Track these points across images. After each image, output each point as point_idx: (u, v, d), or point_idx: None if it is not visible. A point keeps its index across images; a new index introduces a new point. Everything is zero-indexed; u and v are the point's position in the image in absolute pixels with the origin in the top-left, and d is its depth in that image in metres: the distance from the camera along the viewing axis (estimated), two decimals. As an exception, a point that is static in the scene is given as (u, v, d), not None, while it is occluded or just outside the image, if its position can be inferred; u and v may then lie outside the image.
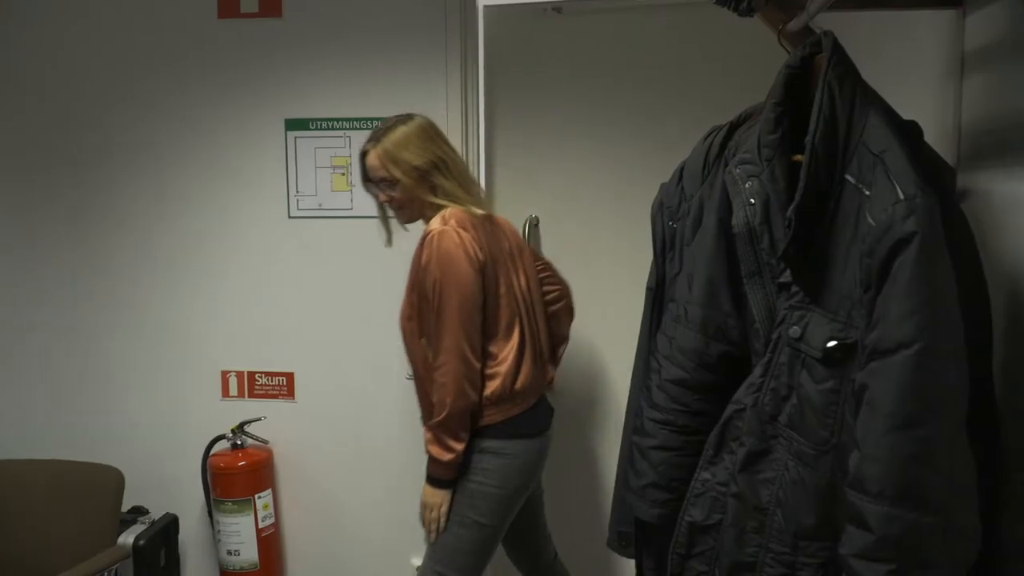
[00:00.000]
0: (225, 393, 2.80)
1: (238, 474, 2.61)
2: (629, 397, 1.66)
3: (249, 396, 2.79)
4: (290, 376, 2.78)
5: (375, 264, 2.71)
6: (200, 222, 2.79)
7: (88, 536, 2.26)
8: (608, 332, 2.64)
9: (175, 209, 2.79)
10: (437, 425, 1.99)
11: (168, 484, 2.76)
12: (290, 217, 2.77)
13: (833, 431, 1.09)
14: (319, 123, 2.73)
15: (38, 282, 2.86)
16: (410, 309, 2.07)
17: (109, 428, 2.82)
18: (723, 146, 1.51)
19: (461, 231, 1.99)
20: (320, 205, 2.76)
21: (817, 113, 1.15)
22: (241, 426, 2.69)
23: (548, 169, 2.71)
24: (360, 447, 2.76)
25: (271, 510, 2.67)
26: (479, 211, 2.09)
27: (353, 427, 2.75)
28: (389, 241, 2.23)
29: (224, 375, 2.80)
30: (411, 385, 2.68)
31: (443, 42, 2.64)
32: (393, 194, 2.07)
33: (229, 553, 2.62)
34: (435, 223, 2.01)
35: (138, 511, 2.67)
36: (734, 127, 1.53)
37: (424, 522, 2.08)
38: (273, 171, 2.76)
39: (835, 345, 1.08)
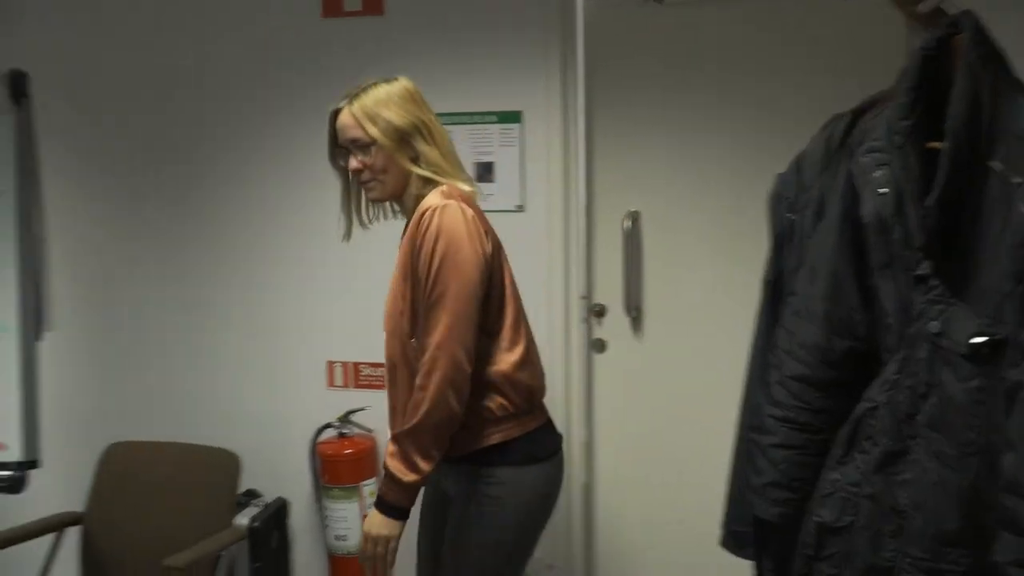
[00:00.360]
0: (331, 383, 2.88)
1: (344, 462, 2.68)
2: (744, 392, 1.63)
3: (353, 386, 2.86)
4: (393, 367, 2.83)
5: (476, 257, 2.74)
6: (306, 216, 2.87)
7: (207, 516, 2.35)
8: (715, 328, 2.60)
9: (284, 203, 2.88)
10: (406, 434, 1.64)
11: (278, 469, 2.84)
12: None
13: (980, 431, 1.04)
14: (421, 118, 2.76)
15: (161, 276, 3.00)
16: (402, 303, 1.75)
17: (225, 414, 2.93)
18: (846, 134, 1.46)
19: (466, 208, 1.69)
20: (422, 199, 2.79)
21: (960, 96, 1.10)
22: (347, 415, 2.76)
23: (649, 162, 2.67)
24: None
25: (375, 497, 2.73)
26: (470, 189, 1.80)
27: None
28: (348, 234, 1.93)
29: (330, 365, 2.87)
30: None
31: (543, 34, 2.63)
32: (367, 159, 1.75)
33: (337, 538, 2.69)
34: (433, 198, 1.69)
35: (251, 494, 2.76)
36: (858, 115, 1.48)
37: (364, 556, 1.72)
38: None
39: (982, 341, 1.03)
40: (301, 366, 2.89)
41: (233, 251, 2.93)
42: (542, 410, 1.84)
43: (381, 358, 2.79)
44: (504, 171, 2.72)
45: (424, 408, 1.62)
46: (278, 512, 2.75)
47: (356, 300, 2.84)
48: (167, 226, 2.98)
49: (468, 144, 2.73)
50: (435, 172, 1.74)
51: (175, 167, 2.96)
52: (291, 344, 2.90)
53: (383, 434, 2.82)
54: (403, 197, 1.80)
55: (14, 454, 2.45)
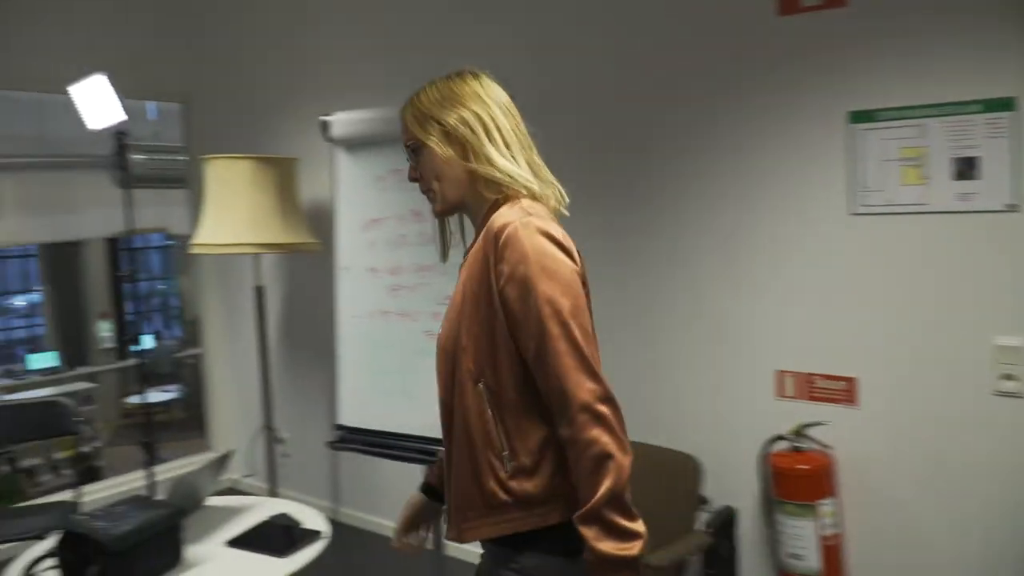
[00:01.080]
0: (780, 392, 2.78)
1: (800, 477, 2.57)
2: None
3: (806, 398, 2.73)
4: (851, 380, 2.65)
5: (953, 264, 2.46)
6: (758, 218, 2.82)
7: (667, 518, 2.41)
8: None
9: (736, 205, 2.86)
10: (594, 512, 1.31)
11: (725, 476, 2.82)
12: (852, 214, 2.63)
13: None
14: (888, 113, 2.55)
15: (617, 278, 3.14)
16: (466, 337, 1.43)
17: (674, 416, 2.99)
18: None
19: (553, 222, 1.43)
20: (887, 201, 2.58)
21: None
22: (802, 428, 2.64)
23: None
24: (938, 465, 2.51)
25: (835, 518, 2.58)
26: (547, 204, 1.50)
27: (929, 442, 2.52)
28: (443, 255, 1.64)
29: (780, 374, 2.78)
30: (1008, 406, 2.40)
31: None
32: (418, 166, 1.54)
33: (790, 556, 2.59)
34: (509, 212, 1.42)
35: (700, 500, 2.78)
36: None
37: None
38: (832, 166, 2.65)
39: None
40: (749, 374, 2.84)
41: (684, 254, 2.98)
42: None
43: (838, 371, 2.68)
44: (991, 166, 2.41)
45: (613, 463, 1.32)
46: (727, 521, 2.73)
47: (812, 307, 2.72)
48: (620, 229, 3.12)
49: (944, 138, 2.47)
50: (503, 173, 1.47)
51: (628, 172, 3.09)
52: (739, 351, 2.87)
53: (842, 451, 2.66)
54: (470, 206, 1.54)
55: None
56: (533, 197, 1.47)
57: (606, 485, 1.31)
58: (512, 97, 1.56)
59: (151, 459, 3.92)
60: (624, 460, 1.32)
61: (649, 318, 3.07)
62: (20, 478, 6.99)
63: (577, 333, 1.35)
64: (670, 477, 2.46)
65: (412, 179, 1.57)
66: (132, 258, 9.18)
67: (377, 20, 3.83)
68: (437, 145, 1.49)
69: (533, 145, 1.55)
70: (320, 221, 3.80)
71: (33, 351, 9.26)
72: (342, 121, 3.07)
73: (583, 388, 1.33)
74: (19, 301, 10.55)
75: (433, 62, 3.52)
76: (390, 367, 2.95)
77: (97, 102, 3.49)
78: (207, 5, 4.55)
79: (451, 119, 1.49)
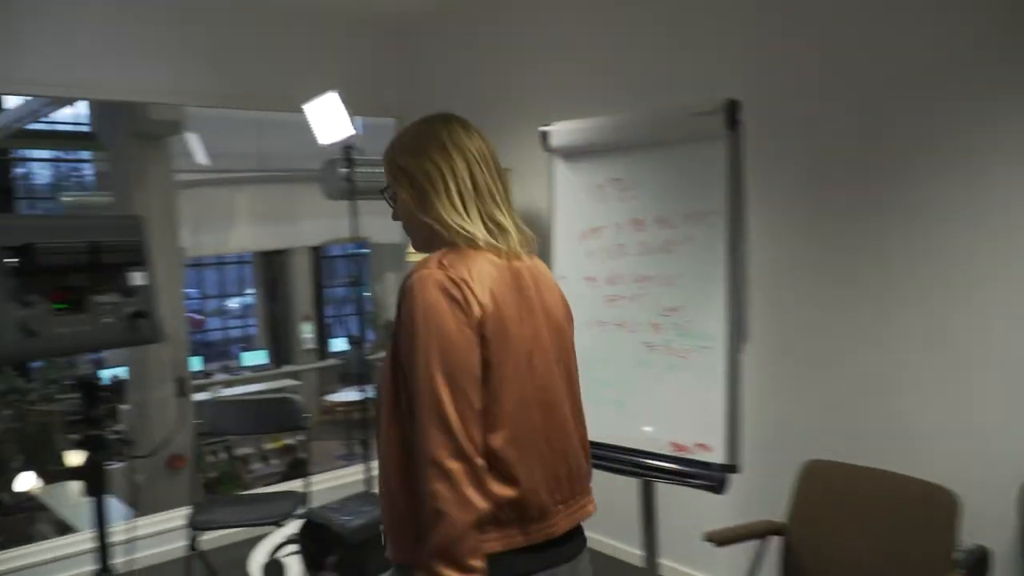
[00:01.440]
0: (1044, 423, 2.50)
1: (1073, 520, 2.29)
2: None
3: (1077, 431, 2.44)
4: None
5: None
6: (1007, 227, 2.55)
7: (920, 556, 2.22)
8: None
9: (984, 214, 2.60)
10: (433, 555, 1.37)
11: (975, 512, 2.56)
12: None
13: None
14: None
15: (853, 295, 2.97)
16: (394, 389, 1.49)
17: (917, 442, 2.76)
18: None
19: (451, 272, 1.45)
20: None
21: None
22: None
23: None
24: None
25: (1117, 570, 2.28)
26: (496, 251, 1.55)
27: None
28: None
29: (1043, 402, 2.50)
30: None
31: None
32: (393, 209, 1.66)
33: (1062, 608, 2.31)
34: (422, 264, 1.49)
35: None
36: None
37: None
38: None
39: None
40: (1007, 402, 2.57)
41: (929, 270, 2.75)
42: (538, 527, 1.50)
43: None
44: None
45: (445, 518, 1.37)
46: (980, 561, 2.47)
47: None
48: (856, 245, 2.93)
49: None
50: (437, 224, 1.55)
51: (861, 190, 2.91)
52: (998, 375, 2.60)
53: None
54: (431, 249, 1.60)
55: (718, 457, 2.64)
56: (477, 246, 1.52)
57: (435, 539, 1.37)
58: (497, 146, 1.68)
59: (366, 455, 4.12)
60: (461, 516, 1.36)
61: (889, 339, 2.86)
62: (237, 465, 7.59)
63: (442, 389, 1.39)
64: (924, 511, 2.26)
65: (395, 219, 1.67)
66: (348, 265, 9.78)
67: (592, 29, 3.84)
68: (405, 192, 1.60)
69: (498, 192, 1.61)
70: (535, 230, 3.82)
71: (246, 349, 10.08)
72: (561, 131, 3.07)
73: (434, 442, 1.38)
74: (234, 303, 11.54)
75: (652, 69, 3.57)
76: (605, 378, 2.91)
77: (328, 118, 3.72)
78: (423, 23, 4.74)
79: (414, 169, 1.58)
